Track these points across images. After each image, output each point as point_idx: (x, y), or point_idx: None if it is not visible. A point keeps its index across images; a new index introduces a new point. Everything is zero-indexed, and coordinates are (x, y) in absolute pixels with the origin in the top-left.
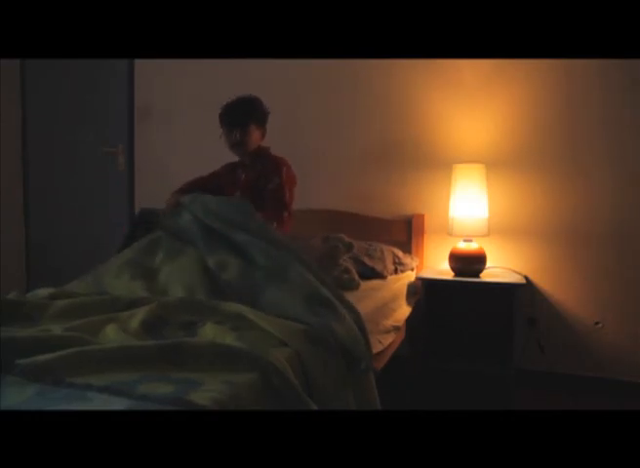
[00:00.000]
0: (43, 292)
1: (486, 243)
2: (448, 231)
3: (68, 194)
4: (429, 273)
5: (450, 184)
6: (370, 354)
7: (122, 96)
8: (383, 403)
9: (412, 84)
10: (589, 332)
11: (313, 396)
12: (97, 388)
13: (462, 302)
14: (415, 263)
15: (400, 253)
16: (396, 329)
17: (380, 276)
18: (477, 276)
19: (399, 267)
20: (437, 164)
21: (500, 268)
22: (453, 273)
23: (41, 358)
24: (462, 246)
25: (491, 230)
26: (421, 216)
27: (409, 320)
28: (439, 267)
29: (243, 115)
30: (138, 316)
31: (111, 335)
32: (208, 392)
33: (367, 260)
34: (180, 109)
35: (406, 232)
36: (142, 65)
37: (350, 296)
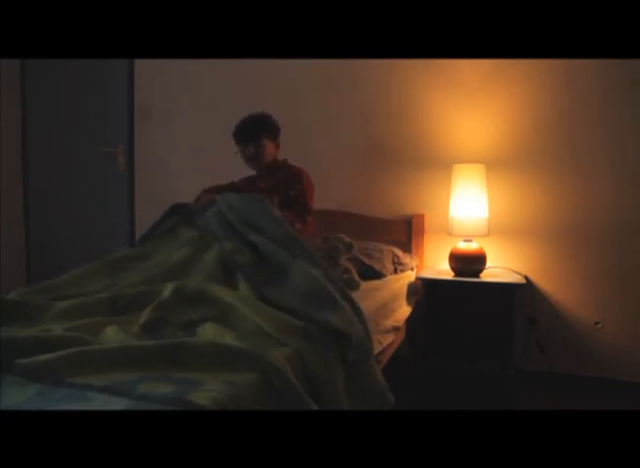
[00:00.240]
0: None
1: (486, 243)
2: (448, 231)
3: (68, 194)
4: (429, 273)
5: (450, 184)
6: (369, 340)
7: (122, 96)
8: None
9: (412, 84)
10: (589, 332)
11: (317, 393)
12: (97, 388)
13: (462, 302)
14: (414, 263)
15: (399, 253)
16: (396, 329)
17: (380, 275)
18: (477, 276)
19: (398, 267)
20: (437, 164)
21: (499, 268)
22: (453, 273)
23: (41, 358)
24: (462, 246)
25: (491, 230)
26: (421, 216)
27: (409, 320)
28: (439, 267)
29: (255, 130)
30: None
31: (111, 336)
32: (208, 392)
33: (366, 260)
34: (180, 109)
35: (406, 232)
36: (142, 65)
37: None
